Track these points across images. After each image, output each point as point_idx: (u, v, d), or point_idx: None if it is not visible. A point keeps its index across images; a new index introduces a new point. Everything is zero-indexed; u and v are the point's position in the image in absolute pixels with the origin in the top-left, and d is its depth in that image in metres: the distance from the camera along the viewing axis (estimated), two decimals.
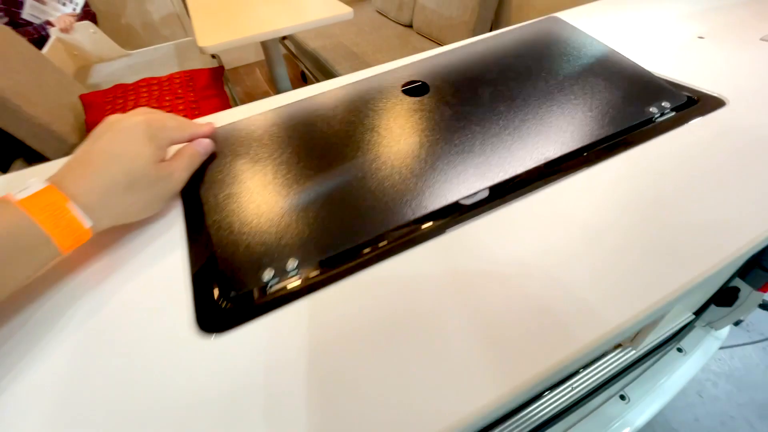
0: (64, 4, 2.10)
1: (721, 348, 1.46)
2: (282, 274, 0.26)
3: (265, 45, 1.71)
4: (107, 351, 0.24)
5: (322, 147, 0.37)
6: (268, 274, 0.26)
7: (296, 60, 2.75)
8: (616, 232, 0.28)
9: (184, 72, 1.69)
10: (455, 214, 0.30)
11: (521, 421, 0.80)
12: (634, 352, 0.90)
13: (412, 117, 0.38)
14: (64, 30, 2.01)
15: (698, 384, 1.46)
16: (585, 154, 0.33)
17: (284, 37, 2.81)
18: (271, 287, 0.25)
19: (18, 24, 1.93)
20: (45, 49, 1.84)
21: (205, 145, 0.38)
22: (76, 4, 2.13)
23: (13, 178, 0.44)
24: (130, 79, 1.69)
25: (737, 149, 0.31)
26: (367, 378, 0.21)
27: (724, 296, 0.93)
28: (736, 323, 0.99)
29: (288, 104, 0.44)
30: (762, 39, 0.44)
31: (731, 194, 0.29)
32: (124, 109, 1.41)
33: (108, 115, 0.34)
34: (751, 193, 0.28)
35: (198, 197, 0.35)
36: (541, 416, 0.80)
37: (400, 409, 0.20)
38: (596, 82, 0.41)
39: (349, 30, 2.30)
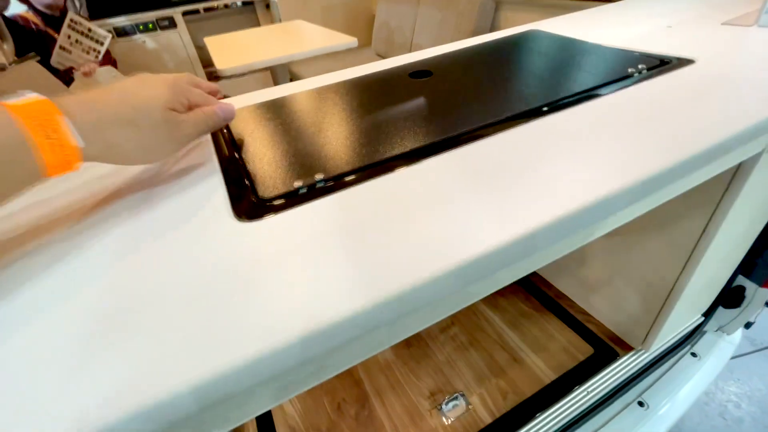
0: (87, 53, 2.28)
1: (733, 358, 1.41)
2: (310, 183, 0.29)
3: (275, 75, 1.84)
4: (157, 236, 0.27)
5: (339, 110, 0.42)
6: (298, 183, 0.29)
7: None
8: (608, 135, 0.32)
9: None
10: (485, 128, 0.34)
11: (540, 426, 0.77)
12: (646, 354, 0.88)
13: (421, 89, 0.44)
14: (87, 74, 2.16)
15: (720, 406, 1.40)
16: (575, 98, 0.37)
17: (290, 79, 3.00)
18: (300, 192, 0.28)
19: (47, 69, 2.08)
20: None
21: (226, 110, 0.36)
22: (99, 53, 2.30)
23: None
24: None
25: (706, 84, 0.36)
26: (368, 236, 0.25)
27: (731, 297, 0.93)
28: (747, 326, 0.98)
29: (310, 89, 0.50)
30: (723, 24, 0.50)
31: (705, 110, 0.32)
32: None
33: None
34: (720, 111, 0.32)
35: (233, 145, 0.39)
36: (560, 422, 0.78)
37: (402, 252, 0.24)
38: (580, 62, 0.46)
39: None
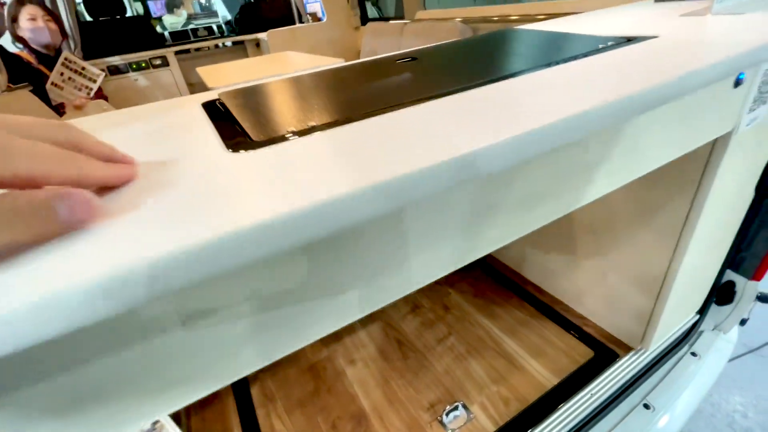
0: (79, 89, 2.32)
1: (732, 360, 1.40)
2: (302, 129, 0.30)
3: None
4: (160, 160, 0.28)
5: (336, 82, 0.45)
6: (291, 129, 0.29)
7: None
8: (578, 81, 0.35)
9: None
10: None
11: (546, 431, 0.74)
12: (646, 353, 0.87)
13: (407, 68, 0.47)
14: (78, 107, 2.19)
15: (727, 416, 1.36)
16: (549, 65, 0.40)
17: None
18: (287, 137, 0.29)
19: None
20: None
21: (76, 204, 0.19)
22: (91, 90, 2.35)
23: None
24: None
25: (668, 49, 0.41)
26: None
27: (723, 293, 0.94)
28: (742, 323, 0.98)
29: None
30: (681, 15, 0.54)
31: (667, 62, 0.35)
32: None
33: None
34: (680, 61, 0.36)
35: (226, 111, 0.39)
36: (566, 426, 0.75)
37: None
38: (554, 44, 0.50)
39: None
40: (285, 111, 0.35)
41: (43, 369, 0.21)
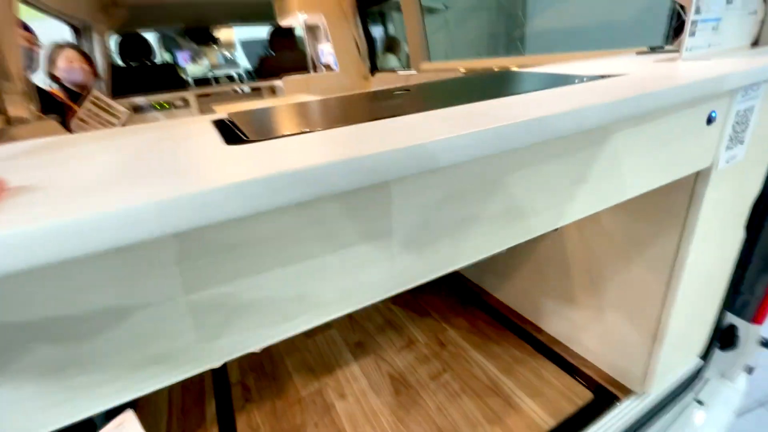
0: (103, 125, 2.47)
1: (742, 415, 1.31)
2: (297, 132, 0.34)
3: None
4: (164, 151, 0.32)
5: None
6: (284, 133, 0.33)
7: None
8: (549, 100, 0.39)
9: None
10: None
11: None
12: (648, 398, 0.83)
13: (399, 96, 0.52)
14: None
15: None
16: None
17: None
18: (280, 137, 0.33)
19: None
20: None
21: None
22: (113, 126, 2.50)
23: None
24: None
25: (634, 82, 0.44)
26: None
27: (725, 337, 0.91)
28: (750, 371, 0.94)
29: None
30: (654, 62, 0.59)
31: (631, 89, 0.38)
32: None
33: None
34: (644, 87, 0.40)
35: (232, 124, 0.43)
36: None
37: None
38: (536, 80, 0.54)
39: None
40: (285, 122, 0.39)
41: (37, 329, 0.22)
